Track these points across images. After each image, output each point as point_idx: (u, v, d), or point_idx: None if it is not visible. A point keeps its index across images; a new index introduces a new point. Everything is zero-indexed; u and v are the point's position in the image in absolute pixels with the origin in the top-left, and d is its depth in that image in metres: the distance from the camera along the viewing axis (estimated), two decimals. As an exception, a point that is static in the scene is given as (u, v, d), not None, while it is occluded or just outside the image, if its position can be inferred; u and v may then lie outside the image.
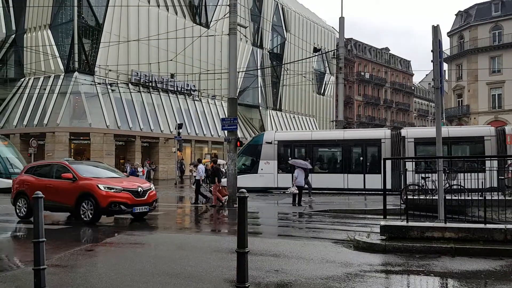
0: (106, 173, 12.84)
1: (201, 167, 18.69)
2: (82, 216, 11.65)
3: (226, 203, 16.13)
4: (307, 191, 18.50)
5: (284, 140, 23.31)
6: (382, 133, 22.44)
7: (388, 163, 21.07)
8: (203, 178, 19.33)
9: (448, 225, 7.78)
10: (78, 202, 11.69)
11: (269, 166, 22.56)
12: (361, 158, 22.44)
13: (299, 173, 16.50)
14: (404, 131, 22.07)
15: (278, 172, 22.52)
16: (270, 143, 22.91)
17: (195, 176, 19.86)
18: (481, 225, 7.68)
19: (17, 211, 12.78)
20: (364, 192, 21.31)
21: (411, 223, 7.98)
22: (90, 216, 11.56)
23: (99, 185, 11.59)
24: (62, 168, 12.38)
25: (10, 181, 22.61)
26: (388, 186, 20.86)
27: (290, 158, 22.60)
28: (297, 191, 16.28)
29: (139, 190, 11.86)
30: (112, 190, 11.59)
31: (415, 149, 20.88)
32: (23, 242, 9.92)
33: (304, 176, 16.83)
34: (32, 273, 5.10)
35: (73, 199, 11.69)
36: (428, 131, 23.55)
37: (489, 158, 13.13)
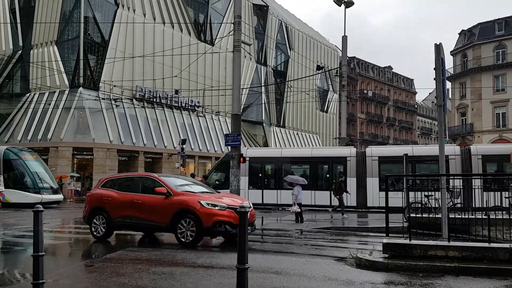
0: (198, 188, 11.35)
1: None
2: (180, 236, 10.12)
3: None
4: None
5: (255, 157, 23.79)
6: (348, 151, 23.18)
7: (353, 181, 21.67)
8: None
9: (452, 243, 7.69)
10: (175, 220, 10.12)
11: (240, 182, 22.74)
12: (328, 175, 23.18)
13: (299, 190, 16.49)
14: (369, 150, 23.10)
15: (249, 188, 23.05)
16: None
17: None
18: (485, 244, 7.60)
19: (93, 229, 11.27)
20: (330, 208, 21.00)
21: (414, 241, 7.90)
22: (191, 237, 10.01)
23: (201, 201, 10.11)
24: (151, 181, 10.94)
25: (40, 196, 22.56)
26: (353, 203, 21.57)
27: (260, 175, 22.92)
28: (299, 210, 16.23)
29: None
30: (216, 208, 10.10)
31: (379, 167, 21.71)
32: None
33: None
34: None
35: (169, 217, 10.15)
36: (391, 150, 25.44)
37: (492, 176, 13.04)
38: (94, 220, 11.25)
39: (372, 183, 21.61)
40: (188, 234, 10.03)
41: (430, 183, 10.62)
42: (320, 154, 24.42)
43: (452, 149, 21.41)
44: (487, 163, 20.61)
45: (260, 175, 23.66)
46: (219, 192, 11.77)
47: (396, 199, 10.11)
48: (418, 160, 21.02)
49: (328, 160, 23.07)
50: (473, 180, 10.50)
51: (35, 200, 22.04)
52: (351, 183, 21.66)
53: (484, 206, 9.65)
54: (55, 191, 25.54)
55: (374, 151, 22.87)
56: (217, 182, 23.15)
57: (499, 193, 10.66)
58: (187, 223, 10.04)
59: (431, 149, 22.07)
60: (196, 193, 10.72)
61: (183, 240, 10.05)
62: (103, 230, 11.13)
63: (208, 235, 10.46)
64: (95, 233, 11.22)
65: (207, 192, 11.08)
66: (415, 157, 20.60)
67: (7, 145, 27.76)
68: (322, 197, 22.20)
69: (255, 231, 11.96)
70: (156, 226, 10.57)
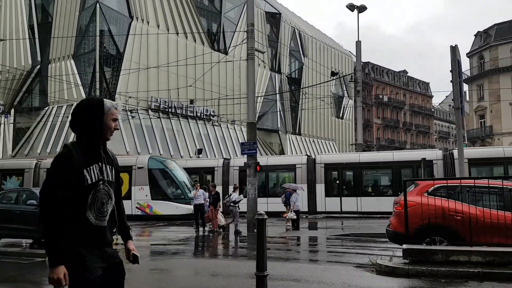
0: None
1: (201, 192, 17.00)
2: None
3: (221, 229, 15.99)
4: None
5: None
6: (299, 159, 23.96)
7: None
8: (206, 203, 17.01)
9: (475, 248, 7.52)
10: None
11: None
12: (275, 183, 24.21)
13: (297, 197, 16.60)
14: (319, 157, 23.85)
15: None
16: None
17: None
18: (510, 249, 7.41)
19: None
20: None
21: (434, 247, 7.75)
22: None
23: None
24: None
25: (191, 207, 18.74)
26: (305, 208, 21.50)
27: (338, 182, 23.06)
28: (295, 217, 16.29)
29: None
30: None
31: (325, 173, 22.65)
32: None
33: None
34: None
35: None
36: (338, 157, 26.73)
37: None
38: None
39: None
40: None
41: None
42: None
43: (434, 154, 21.72)
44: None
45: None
46: None
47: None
48: (400, 166, 21.85)
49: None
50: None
51: (186, 211, 20.09)
52: None
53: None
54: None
55: (322, 158, 24.03)
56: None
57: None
58: None
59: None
60: None
61: None
62: None
63: None
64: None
65: None
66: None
67: (149, 155, 25.99)
68: (274, 203, 21.95)
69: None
70: None
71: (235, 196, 15.94)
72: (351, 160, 23.32)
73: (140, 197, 21.74)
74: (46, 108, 38.35)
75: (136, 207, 21.66)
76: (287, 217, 16.63)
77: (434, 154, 21.81)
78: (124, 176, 21.25)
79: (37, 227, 10.98)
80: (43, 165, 24.38)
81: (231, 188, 19.33)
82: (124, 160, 22.62)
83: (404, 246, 8.03)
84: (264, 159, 25.20)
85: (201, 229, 16.37)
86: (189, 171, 23.93)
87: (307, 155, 26.08)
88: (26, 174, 24.33)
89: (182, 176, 22.64)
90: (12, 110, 39.87)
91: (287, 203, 17.23)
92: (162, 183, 22.51)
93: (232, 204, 15.65)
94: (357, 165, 22.43)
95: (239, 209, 15.91)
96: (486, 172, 20.03)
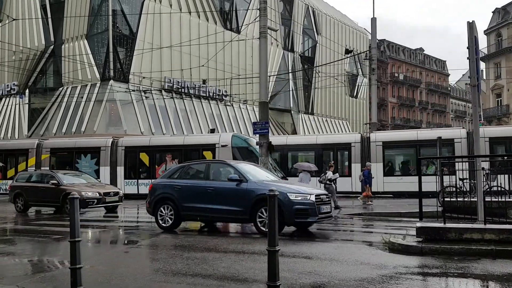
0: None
1: None
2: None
3: None
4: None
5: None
6: (353, 137, 23.26)
7: None
8: None
9: (488, 226, 7.49)
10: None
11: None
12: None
13: (303, 177, 15.78)
14: (373, 135, 22.58)
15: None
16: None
17: None
18: (524, 227, 7.36)
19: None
20: None
21: (448, 225, 7.73)
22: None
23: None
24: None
25: None
26: None
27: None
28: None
29: None
30: None
31: (383, 152, 21.76)
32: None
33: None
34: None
35: None
36: (395, 135, 24.55)
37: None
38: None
39: None
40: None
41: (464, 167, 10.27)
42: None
43: (458, 132, 21.15)
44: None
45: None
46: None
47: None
48: (423, 145, 21.03)
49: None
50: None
51: None
52: None
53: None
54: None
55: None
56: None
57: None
58: None
59: (440, 132, 22.40)
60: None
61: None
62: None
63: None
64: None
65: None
66: (419, 141, 21.01)
67: (232, 133, 26.35)
68: None
69: None
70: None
71: (330, 174, 16.18)
72: (408, 138, 22.29)
73: None
74: (61, 88, 38.66)
75: None
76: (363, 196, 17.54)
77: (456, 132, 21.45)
78: (207, 155, 21.75)
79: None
80: (120, 143, 24.23)
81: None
82: (206, 139, 23.33)
83: (418, 224, 8.03)
84: (313, 138, 24.62)
85: None
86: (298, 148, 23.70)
87: (360, 133, 25.65)
88: (102, 153, 24.20)
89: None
90: (27, 91, 40.29)
91: (365, 181, 18.06)
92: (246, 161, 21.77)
93: (328, 182, 15.97)
94: (415, 143, 21.23)
95: (335, 186, 16.55)
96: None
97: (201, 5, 42.05)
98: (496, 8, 50.23)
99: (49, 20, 39.65)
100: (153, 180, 11.95)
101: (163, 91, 38.52)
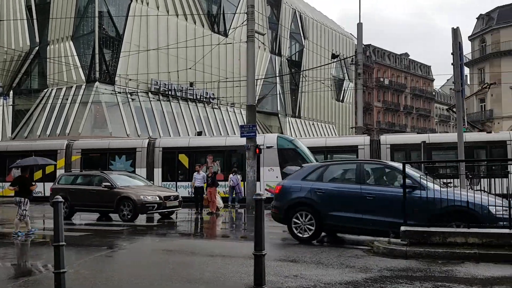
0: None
1: (202, 175, 16.92)
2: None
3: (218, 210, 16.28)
4: None
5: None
6: (361, 139, 23.24)
7: None
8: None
9: (472, 230, 7.58)
10: None
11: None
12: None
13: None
14: (383, 138, 23.08)
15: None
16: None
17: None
18: (506, 230, 7.47)
19: None
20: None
21: (432, 229, 7.81)
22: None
23: None
24: None
25: None
26: None
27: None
28: None
29: None
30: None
31: (391, 154, 21.96)
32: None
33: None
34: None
35: None
36: (405, 138, 24.85)
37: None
38: None
39: None
40: None
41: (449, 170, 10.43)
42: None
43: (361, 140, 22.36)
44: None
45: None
46: None
47: None
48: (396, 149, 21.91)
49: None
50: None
51: None
52: None
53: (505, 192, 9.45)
54: None
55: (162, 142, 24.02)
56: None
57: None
58: None
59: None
60: None
61: None
62: None
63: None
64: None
65: None
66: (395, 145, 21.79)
67: (277, 134, 25.21)
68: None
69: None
70: None
71: None
72: (415, 141, 22.05)
73: (269, 178, 20.41)
74: (45, 90, 38.18)
75: (265, 189, 20.13)
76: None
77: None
78: None
79: None
80: (157, 144, 23.45)
81: None
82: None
83: (402, 228, 8.09)
84: (322, 140, 24.70)
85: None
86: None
87: (369, 135, 25.71)
88: (138, 154, 23.35)
89: (310, 156, 20.90)
90: (11, 92, 39.72)
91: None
92: (293, 164, 20.04)
93: None
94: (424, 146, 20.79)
95: None
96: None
97: (188, 8, 41.99)
98: (481, 15, 51.04)
99: (35, 21, 39.19)
100: (282, 181, 10.23)
101: (149, 93, 38.30)
